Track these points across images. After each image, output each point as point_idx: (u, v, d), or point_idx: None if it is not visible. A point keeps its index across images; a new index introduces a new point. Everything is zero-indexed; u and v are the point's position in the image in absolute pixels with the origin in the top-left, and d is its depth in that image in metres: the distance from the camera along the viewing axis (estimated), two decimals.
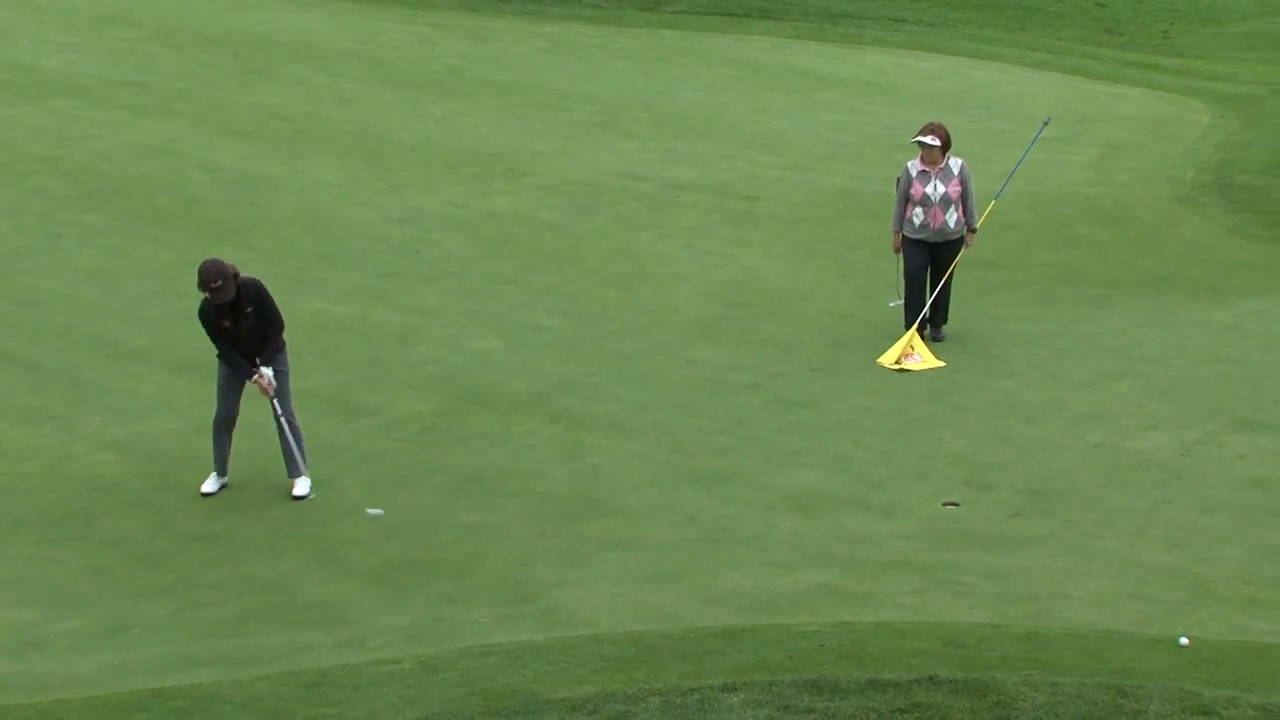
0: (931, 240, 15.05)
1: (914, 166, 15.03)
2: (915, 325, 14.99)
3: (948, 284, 15.21)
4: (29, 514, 12.25)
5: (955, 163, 15.08)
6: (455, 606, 10.80)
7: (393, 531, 11.90)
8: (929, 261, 15.15)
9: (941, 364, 14.67)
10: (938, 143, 14.90)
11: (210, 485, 12.53)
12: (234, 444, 12.75)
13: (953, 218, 15.00)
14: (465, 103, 23.83)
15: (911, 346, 14.82)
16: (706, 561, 11.36)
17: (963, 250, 15.23)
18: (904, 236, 15.17)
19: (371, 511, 12.14)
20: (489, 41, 27.38)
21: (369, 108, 23.45)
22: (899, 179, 15.21)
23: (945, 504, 12.26)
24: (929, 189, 14.94)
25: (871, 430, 13.51)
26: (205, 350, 15.16)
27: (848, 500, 12.32)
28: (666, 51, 26.91)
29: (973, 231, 15.20)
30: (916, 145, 15.00)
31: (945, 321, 15.37)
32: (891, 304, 15.37)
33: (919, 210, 14.96)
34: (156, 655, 10.29)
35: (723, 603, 10.69)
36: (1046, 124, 17.21)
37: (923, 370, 14.75)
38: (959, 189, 15.01)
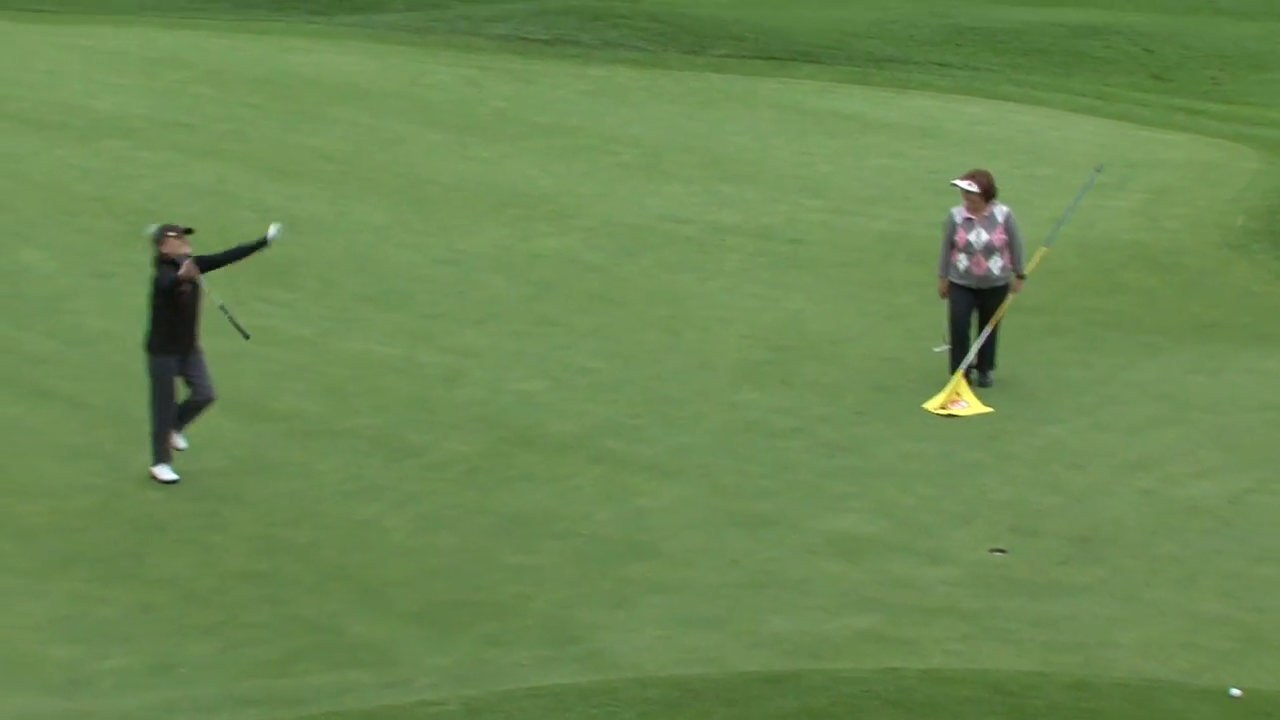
0: (976, 286, 15.11)
1: (959, 213, 15.11)
2: (961, 370, 14.98)
3: (995, 330, 15.19)
4: (77, 551, 12.35)
5: (1000, 210, 15.10)
6: (499, 648, 10.82)
7: (438, 572, 11.94)
8: (973, 307, 15.19)
9: (988, 410, 14.64)
10: (975, 189, 14.96)
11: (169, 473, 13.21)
12: (279, 485, 12.82)
13: (996, 265, 15.05)
14: (510, 145, 23.95)
15: (958, 392, 14.81)
16: (750, 605, 11.35)
17: (1010, 296, 15.22)
18: (950, 282, 15.20)
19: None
20: (534, 84, 27.54)
21: (415, 149, 23.60)
22: (946, 223, 15.28)
23: (992, 550, 12.22)
24: (972, 236, 15.00)
25: (917, 475, 13.49)
26: (252, 390, 15.30)
27: (893, 545, 12.29)
28: (711, 95, 27.01)
29: (1021, 278, 15.21)
30: (956, 188, 15.08)
31: (993, 367, 15.33)
32: (937, 349, 15.36)
33: (963, 256, 15.03)
34: (203, 694, 10.35)
35: (767, 647, 10.68)
36: (1099, 171, 17.16)
37: (969, 415, 14.72)
38: (1003, 237, 15.04)
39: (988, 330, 15.17)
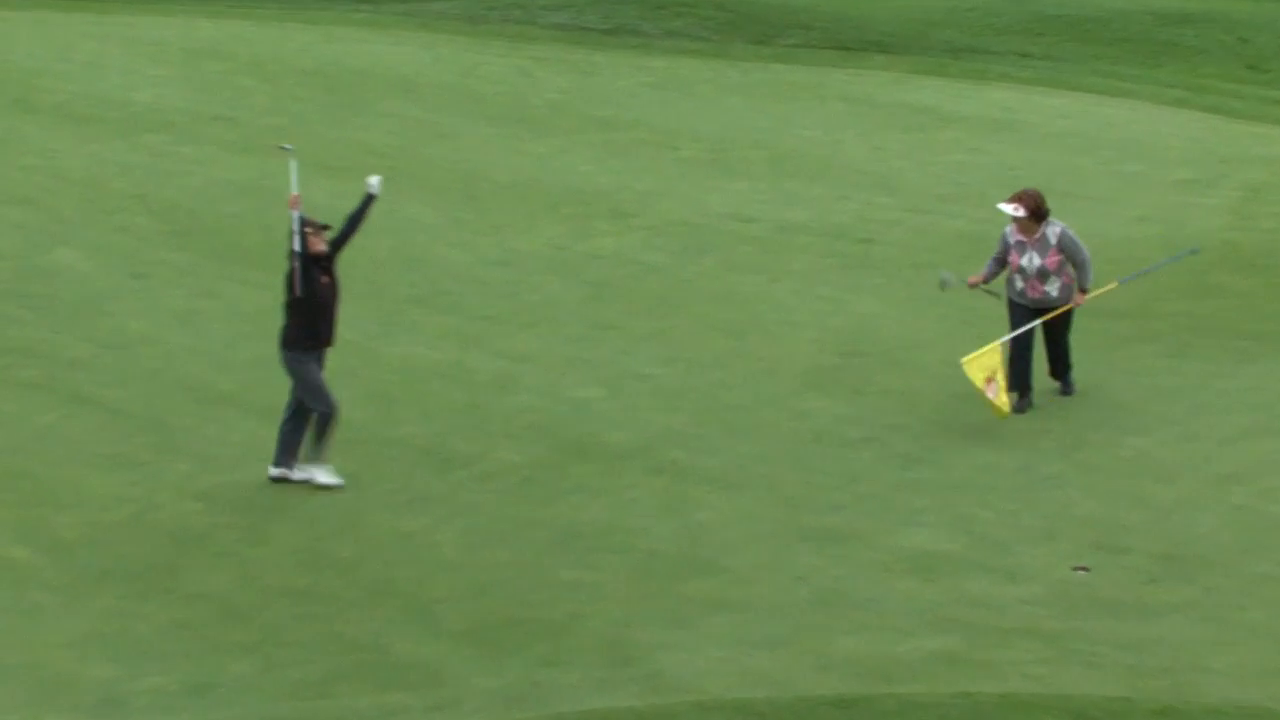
0: (1034, 308, 14.89)
1: (1011, 233, 14.84)
2: (1000, 346, 14.58)
3: (1062, 343, 14.95)
4: (112, 565, 12.41)
5: (1053, 231, 14.76)
6: (553, 669, 10.80)
7: (488, 589, 11.93)
8: (1031, 324, 14.81)
9: (1004, 413, 14.34)
10: (1023, 213, 14.65)
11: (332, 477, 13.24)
12: (322, 496, 12.86)
13: (1054, 287, 14.77)
14: (567, 140, 23.96)
15: (996, 375, 14.42)
16: (818, 625, 11.30)
17: (1071, 311, 14.93)
18: (1008, 298, 14.96)
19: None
20: (592, 76, 27.55)
21: (466, 144, 23.64)
22: (999, 242, 14.95)
23: (1074, 568, 12.13)
24: (1024, 260, 14.75)
25: (995, 489, 13.39)
26: None
27: (969, 562, 12.21)
28: (779, 87, 26.94)
29: (1084, 292, 14.94)
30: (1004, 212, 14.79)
31: (1069, 369, 15.11)
32: (941, 275, 15.20)
33: (1017, 279, 14.85)
34: (241, 715, 10.37)
35: (836, 670, 10.63)
36: (1193, 253, 16.80)
37: (1050, 426, 14.61)
38: (1058, 259, 14.69)
39: (1052, 345, 14.91)
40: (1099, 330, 16.37)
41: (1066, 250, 14.73)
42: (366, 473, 13.80)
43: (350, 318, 17.42)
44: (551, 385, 15.67)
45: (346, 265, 18.89)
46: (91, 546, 12.68)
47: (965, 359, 14.41)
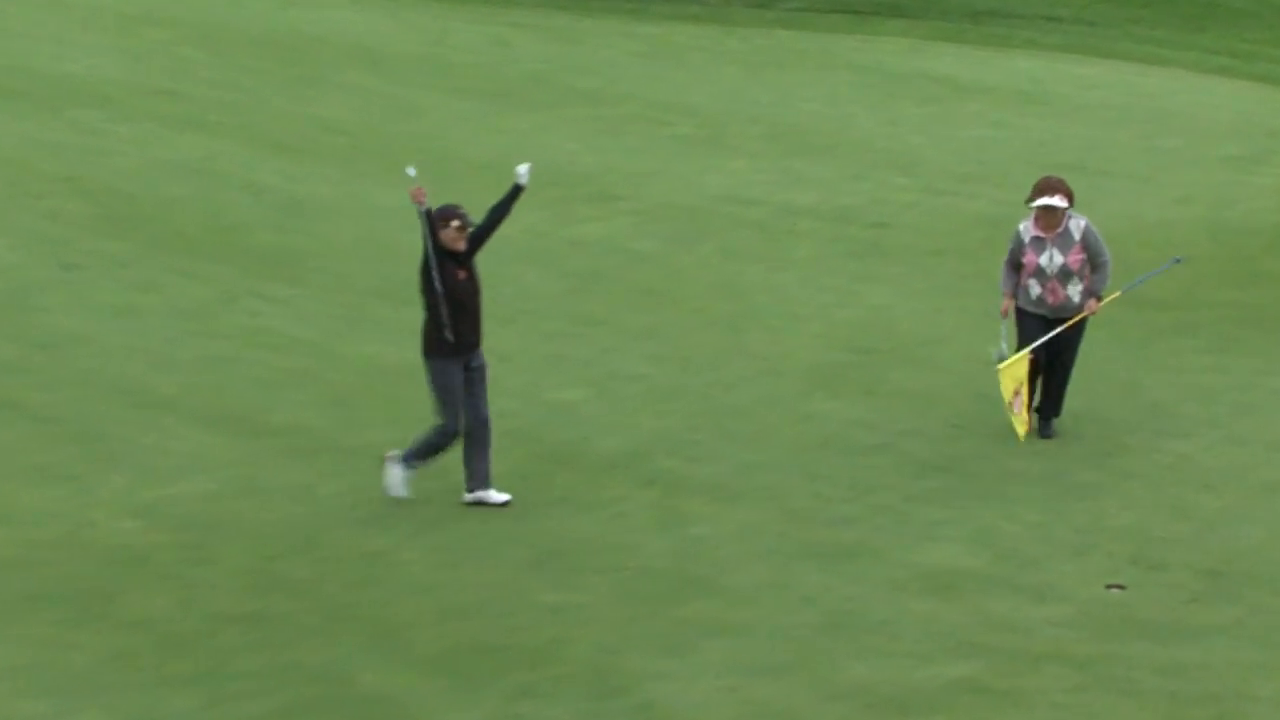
0: (1053, 316, 14.20)
1: (1027, 230, 14.18)
2: (1029, 355, 14.07)
3: (1067, 371, 14.32)
4: (43, 590, 12.39)
5: (1076, 224, 14.11)
6: (533, 701, 10.80)
7: (461, 612, 11.93)
8: (1041, 331, 14.19)
9: (1022, 433, 14.06)
10: (1065, 204, 14.04)
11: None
12: (276, 510, 12.84)
13: (1076, 291, 14.14)
14: (548, 115, 23.95)
15: (1022, 389, 14.05)
16: (827, 650, 11.31)
17: (1085, 323, 14.30)
18: (1018, 307, 14.31)
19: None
20: (576, 44, 27.55)
21: (437, 121, 23.63)
22: (1011, 240, 14.31)
23: (1109, 586, 12.15)
24: (1043, 259, 14.09)
25: (1022, 499, 13.41)
26: (246, 401, 15.33)
27: (994, 580, 12.22)
28: (782, 55, 26.96)
29: (1097, 299, 14.27)
30: (1036, 209, 14.05)
31: (1058, 414, 14.40)
32: (992, 351, 14.29)
33: (1033, 283, 14.18)
34: None
35: (846, 699, 10.64)
36: (1178, 262, 15.71)
37: (1082, 430, 14.62)
38: (1081, 257, 14.09)
39: (1059, 371, 14.24)
40: (1136, 322, 16.39)
41: (1090, 248, 14.12)
42: (325, 484, 13.79)
43: (307, 314, 17.47)
44: (531, 387, 15.67)
45: (303, 254, 18.98)
46: (19, 569, 12.66)
47: (1002, 365, 14.11)
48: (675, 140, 22.92)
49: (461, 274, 13.39)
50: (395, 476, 13.38)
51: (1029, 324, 14.29)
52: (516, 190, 13.65)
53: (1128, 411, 15.00)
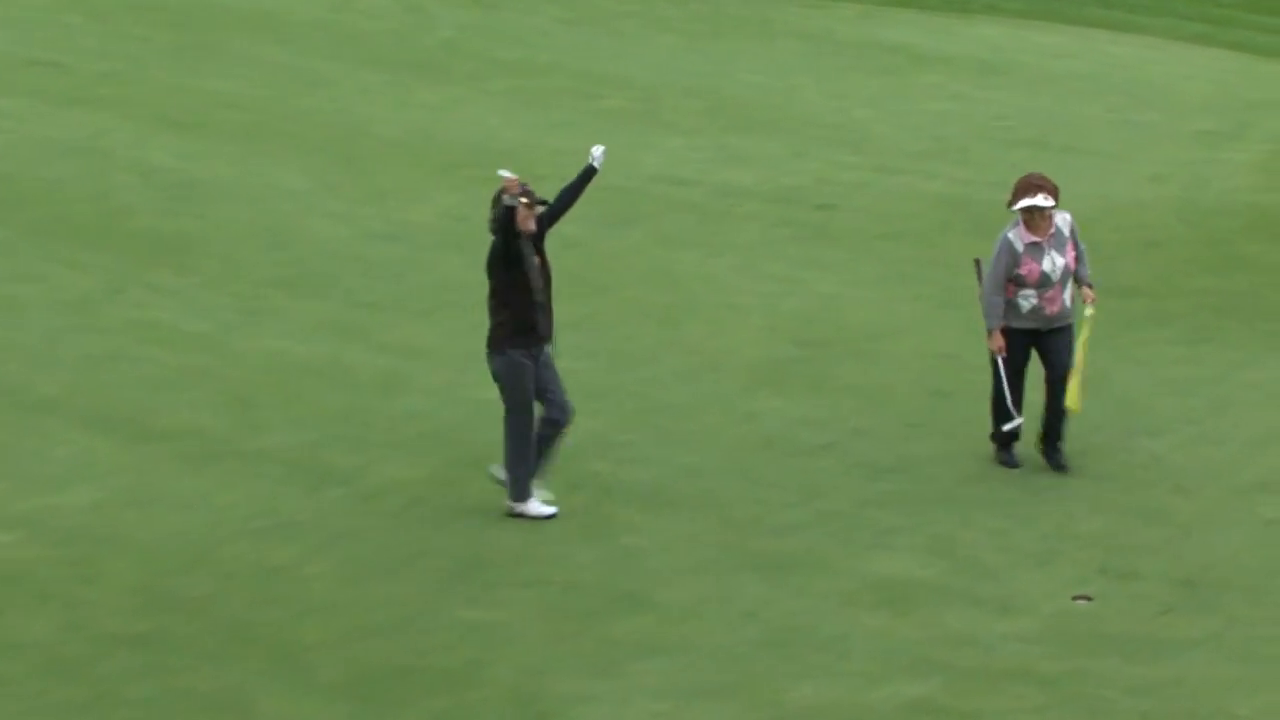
0: (1045, 329, 13.82)
1: (1018, 237, 13.72)
2: (1081, 374, 13.74)
3: (1065, 378, 13.81)
4: None
5: (1063, 219, 13.84)
6: None
7: (371, 632, 11.91)
8: (1029, 359, 13.86)
9: (1076, 408, 13.92)
10: (1052, 203, 13.66)
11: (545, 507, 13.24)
12: (168, 522, 12.77)
13: (1067, 298, 13.85)
14: (466, 88, 23.91)
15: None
16: (771, 670, 11.34)
17: (1085, 329, 13.81)
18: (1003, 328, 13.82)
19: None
20: (497, 9, 27.50)
21: (343, 94, 23.55)
22: (996, 255, 13.73)
23: (1075, 598, 12.22)
24: (1046, 265, 13.67)
25: (981, 504, 13.46)
26: (134, 402, 15.25)
27: (951, 592, 12.28)
28: (721, 22, 26.98)
29: (1091, 287, 13.92)
30: (1022, 212, 13.67)
31: (1061, 438, 13.93)
32: (1007, 427, 13.82)
33: (1031, 294, 13.70)
34: None
35: None
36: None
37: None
38: (1074, 254, 13.83)
39: (1057, 389, 13.81)
40: (1104, 311, 16.38)
41: (1078, 242, 13.91)
42: (221, 494, 13.74)
43: (201, 305, 17.39)
44: (449, 385, 15.64)
45: (197, 240, 18.88)
46: None
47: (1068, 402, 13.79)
48: (605, 115, 22.89)
49: (537, 259, 13.37)
50: (533, 506, 13.27)
51: (1015, 343, 13.79)
52: (590, 172, 13.58)
53: (1095, 408, 15.05)
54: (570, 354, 16.30)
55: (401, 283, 17.94)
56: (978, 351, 16.17)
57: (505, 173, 13.30)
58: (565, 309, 17.25)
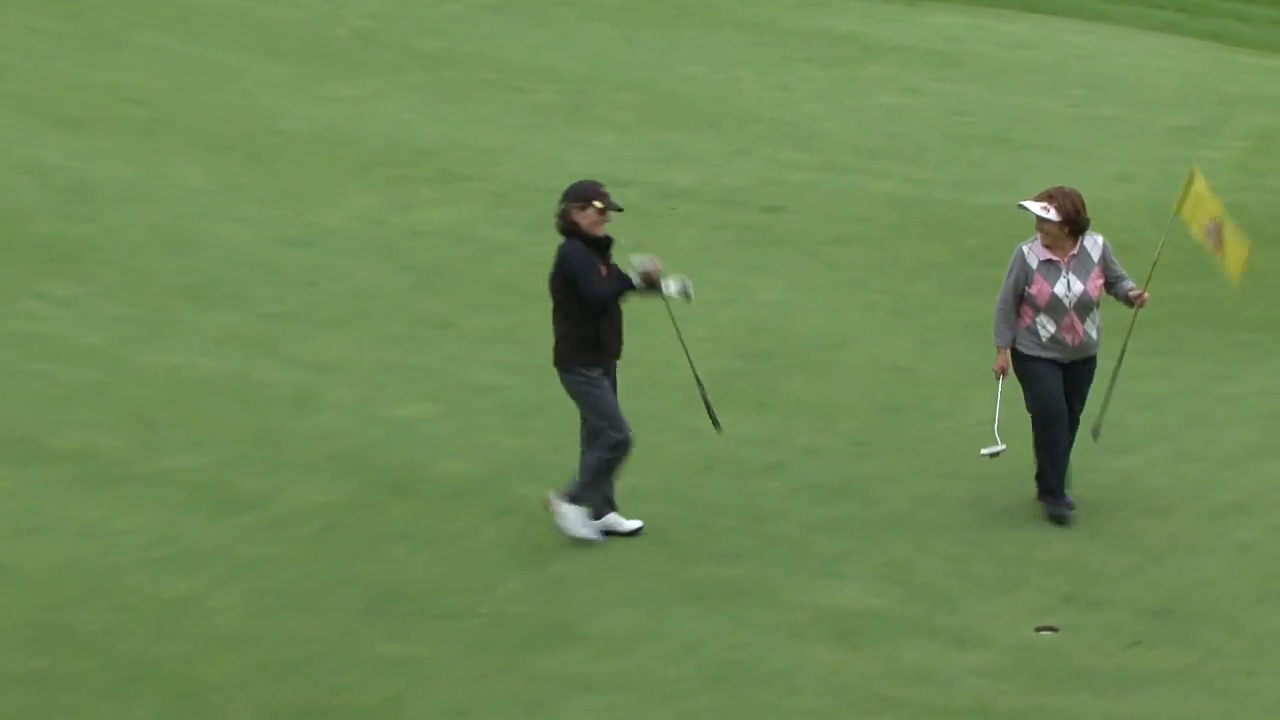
0: (1065, 360, 13.49)
1: (1032, 252, 13.39)
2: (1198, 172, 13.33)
3: (1075, 427, 13.65)
4: None
5: (1094, 243, 13.46)
6: None
7: (283, 669, 11.87)
8: (1062, 385, 13.49)
9: (1236, 276, 13.57)
10: (1053, 215, 13.26)
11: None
12: (61, 551, 12.71)
13: (1094, 328, 13.46)
14: (382, 81, 23.87)
15: (1222, 222, 13.29)
16: (712, 708, 11.32)
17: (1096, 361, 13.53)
18: (1020, 353, 13.46)
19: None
20: None
21: (251, 88, 23.49)
22: (1010, 266, 13.46)
23: (1039, 629, 12.25)
24: (1059, 288, 13.32)
25: (938, 528, 13.49)
26: (24, 421, 15.14)
27: (906, 623, 12.29)
28: (658, 10, 27.02)
29: (1140, 296, 13.63)
30: (1036, 224, 13.39)
31: (1068, 485, 13.63)
32: (986, 452, 13.65)
33: (1045, 320, 13.38)
34: None
35: None
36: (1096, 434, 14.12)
37: (1008, 445, 14.72)
38: (1100, 283, 13.42)
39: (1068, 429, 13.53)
40: None
41: (1110, 270, 13.51)
42: (119, 519, 13.68)
43: (97, 316, 17.31)
44: (365, 402, 15.61)
45: (91, 246, 18.80)
46: None
47: (1189, 196, 13.32)
48: (533, 110, 22.89)
49: (604, 270, 13.21)
50: (573, 517, 13.17)
51: (1044, 371, 13.42)
52: (647, 287, 13.33)
53: None
54: (497, 369, 16.30)
55: (314, 291, 17.89)
56: (933, 363, 16.26)
57: (644, 261, 13.12)
58: (491, 320, 17.30)
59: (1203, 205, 13.76)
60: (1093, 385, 13.72)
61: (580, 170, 20.83)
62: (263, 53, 24.78)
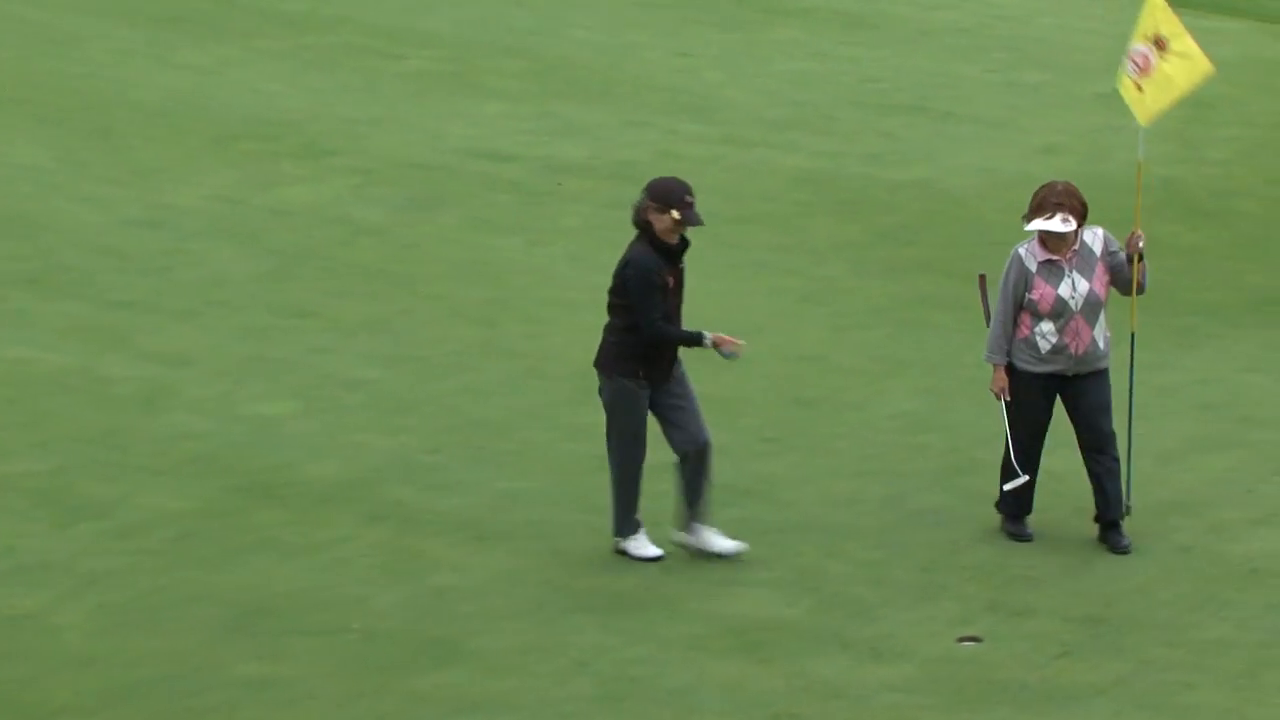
0: (1069, 373, 13.36)
1: (1030, 254, 13.24)
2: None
3: (1113, 443, 13.41)
4: None
5: (1094, 236, 13.36)
6: None
7: (133, 691, 11.82)
8: (1051, 412, 13.40)
9: (1144, 117, 13.37)
10: (1074, 225, 13.14)
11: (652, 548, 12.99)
12: None
13: (1101, 334, 13.34)
14: (239, 47, 23.77)
15: (1164, 35, 12.98)
16: None
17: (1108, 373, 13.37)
18: (1015, 369, 13.35)
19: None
20: None
21: (94, 54, 23.35)
22: (1004, 273, 13.30)
23: (961, 639, 12.32)
24: (1064, 290, 13.18)
25: (851, 531, 13.55)
26: None
27: (816, 635, 12.35)
28: None
29: (1133, 235, 13.46)
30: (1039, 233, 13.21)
31: (1128, 512, 13.46)
32: (1008, 486, 13.43)
33: (1047, 327, 13.22)
34: None
35: None
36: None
37: (928, 441, 14.81)
38: (1107, 279, 13.30)
39: (1103, 447, 13.38)
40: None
41: (1115, 265, 13.36)
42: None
43: None
44: (223, 399, 15.57)
45: None
46: None
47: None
48: (407, 78, 22.85)
49: (670, 281, 12.97)
50: (643, 547, 13.08)
51: (1034, 392, 13.32)
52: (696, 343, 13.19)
53: (982, 416, 15.21)
54: (367, 361, 16.28)
55: (165, 278, 17.81)
56: (845, 352, 16.34)
57: (725, 344, 13.06)
58: (361, 309, 17.26)
59: (1153, 18, 13.19)
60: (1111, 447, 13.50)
61: (457, 144, 20.90)
62: (109, 16, 24.62)
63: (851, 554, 13.25)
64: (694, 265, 18.14)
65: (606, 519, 13.69)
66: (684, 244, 13.11)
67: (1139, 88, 13.58)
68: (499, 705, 11.62)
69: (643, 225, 13.04)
